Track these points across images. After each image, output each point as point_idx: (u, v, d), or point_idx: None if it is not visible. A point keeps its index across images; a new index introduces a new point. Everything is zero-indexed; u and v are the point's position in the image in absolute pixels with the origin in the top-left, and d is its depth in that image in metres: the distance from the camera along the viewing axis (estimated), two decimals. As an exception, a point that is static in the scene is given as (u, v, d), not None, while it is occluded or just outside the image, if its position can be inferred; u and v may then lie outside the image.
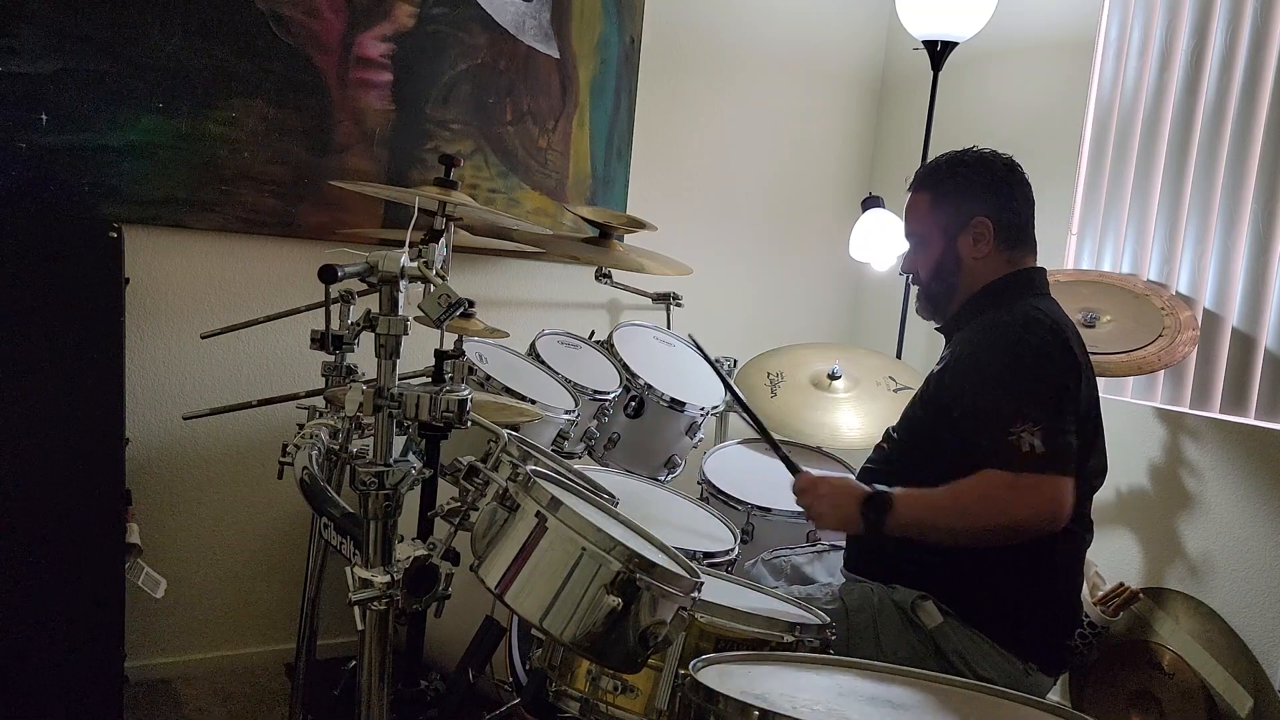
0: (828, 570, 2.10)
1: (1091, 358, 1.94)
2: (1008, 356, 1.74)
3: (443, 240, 2.12)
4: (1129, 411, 2.73)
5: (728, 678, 1.22)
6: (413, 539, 1.26)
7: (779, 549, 2.20)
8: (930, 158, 2.96)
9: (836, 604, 1.81)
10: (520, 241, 2.75)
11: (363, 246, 1.88)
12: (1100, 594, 2.57)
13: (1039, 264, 1.96)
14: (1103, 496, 1.92)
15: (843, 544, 2.05)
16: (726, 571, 2.04)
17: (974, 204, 1.88)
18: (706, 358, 2.14)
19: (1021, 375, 1.71)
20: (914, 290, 2.06)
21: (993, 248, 1.88)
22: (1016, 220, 1.90)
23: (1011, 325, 1.77)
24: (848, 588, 1.87)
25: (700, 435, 2.74)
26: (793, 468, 1.92)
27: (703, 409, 2.67)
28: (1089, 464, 1.82)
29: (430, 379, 2.11)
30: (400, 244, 1.40)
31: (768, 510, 2.49)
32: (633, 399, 2.61)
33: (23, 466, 2.02)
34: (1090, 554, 2.14)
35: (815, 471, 1.90)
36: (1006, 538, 1.69)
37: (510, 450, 1.32)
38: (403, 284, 1.24)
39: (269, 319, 2.26)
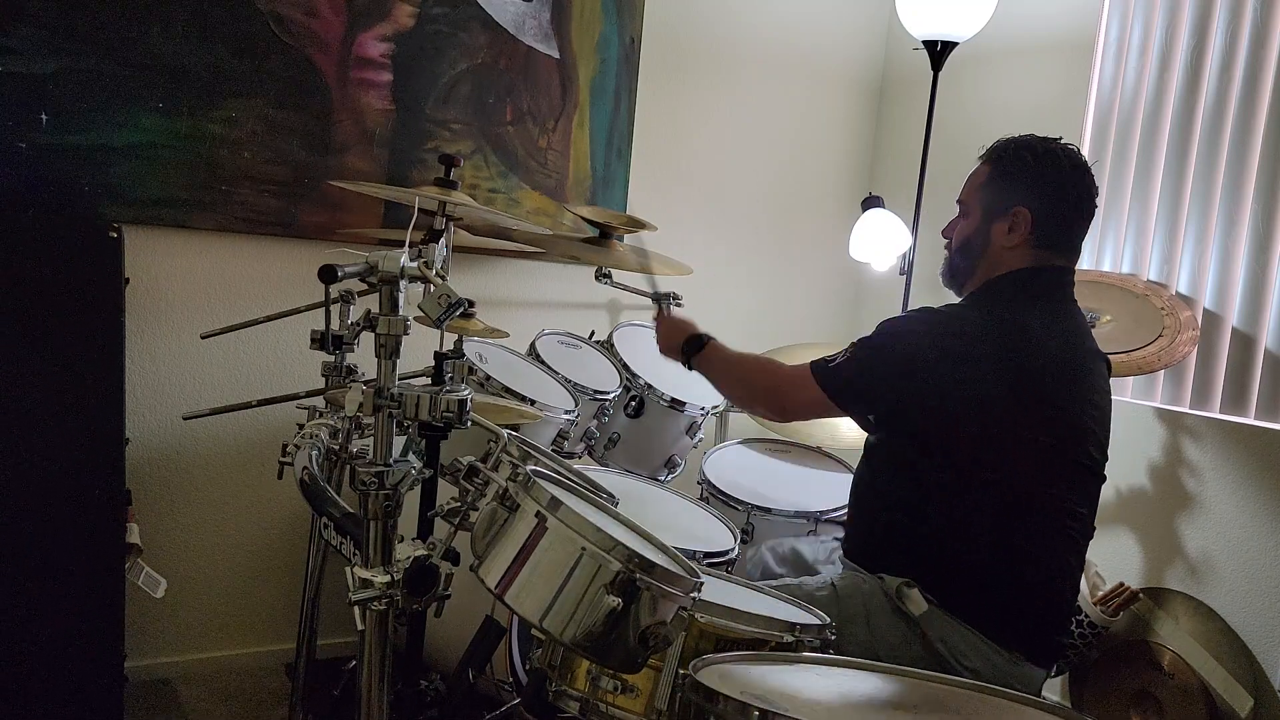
0: (828, 557, 2.11)
1: (1098, 365, 1.94)
2: (888, 322, 1.92)
3: (443, 240, 2.12)
4: (1129, 411, 2.73)
5: (728, 678, 1.22)
6: (413, 539, 1.26)
7: (784, 536, 2.23)
8: (930, 158, 2.99)
9: (827, 590, 1.83)
10: (520, 241, 2.75)
11: (363, 246, 1.89)
12: (1100, 594, 2.56)
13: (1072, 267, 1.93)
14: (1103, 496, 1.92)
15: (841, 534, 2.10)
16: (726, 571, 2.04)
17: (1022, 193, 1.85)
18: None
19: (880, 329, 1.90)
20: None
21: (1024, 240, 1.85)
22: (1060, 224, 1.86)
23: (926, 307, 1.93)
24: (840, 576, 1.90)
25: (700, 435, 2.74)
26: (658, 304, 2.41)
27: (703, 409, 2.67)
28: (1064, 479, 1.84)
29: (430, 379, 2.11)
30: (400, 244, 1.40)
31: (768, 510, 2.49)
32: (633, 399, 2.61)
33: (23, 466, 2.02)
34: (1090, 554, 2.14)
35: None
36: (750, 394, 2.10)
37: (510, 450, 1.32)
38: (403, 284, 1.24)
39: (269, 319, 2.26)
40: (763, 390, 2.06)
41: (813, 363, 1.93)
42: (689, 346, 2.16)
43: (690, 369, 2.18)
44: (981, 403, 1.76)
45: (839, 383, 1.88)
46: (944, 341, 1.80)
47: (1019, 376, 1.77)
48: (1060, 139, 1.89)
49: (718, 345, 2.15)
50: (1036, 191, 1.85)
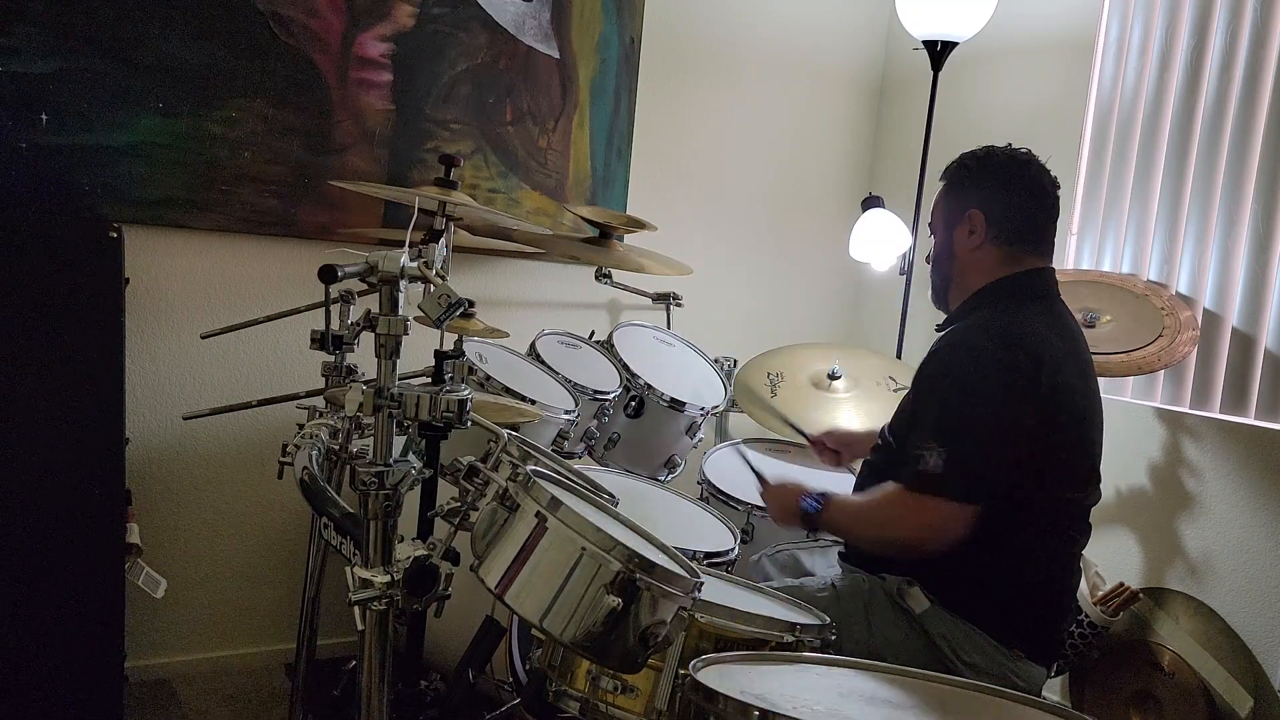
0: (826, 563, 2.11)
1: (1092, 358, 1.94)
2: (942, 378, 1.80)
3: (443, 240, 2.12)
4: (1129, 411, 2.73)
5: (728, 678, 1.22)
6: (413, 539, 1.26)
7: (781, 544, 2.22)
8: (930, 158, 2.99)
9: (828, 591, 1.84)
10: (520, 241, 2.75)
11: (363, 246, 1.89)
12: (1100, 594, 2.56)
13: (1051, 266, 1.94)
14: (1103, 496, 1.92)
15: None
16: (726, 571, 2.04)
17: (971, 196, 1.91)
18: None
19: (944, 398, 1.78)
20: (918, 283, 2.08)
21: (986, 241, 1.89)
22: (1014, 216, 1.89)
23: (960, 346, 1.82)
24: (840, 576, 1.90)
25: (700, 435, 2.74)
26: (759, 478, 2.15)
27: (703, 409, 2.67)
28: (1075, 474, 1.84)
29: (430, 379, 2.11)
30: (400, 244, 1.40)
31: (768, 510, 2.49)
32: (633, 399, 2.61)
33: (23, 466, 2.02)
34: (1090, 554, 2.14)
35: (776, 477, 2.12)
36: (902, 551, 1.79)
37: (510, 450, 1.32)
38: (403, 284, 1.24)
39: (269, 319, 2.26)
40: (891, 539, 1.80)
41: (916, 482, 1.73)
42: (806, 512, 1.91)
43: (810, 529, 1.98)
44: (999, 417, 1.74)
45: (961, 480, 1.71)
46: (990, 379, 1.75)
47: (1036, 389, 1.75)
48: (1009, 145, 1.94)
49: (835, 502, 1.89)
50: (983, 190, 1.90)
